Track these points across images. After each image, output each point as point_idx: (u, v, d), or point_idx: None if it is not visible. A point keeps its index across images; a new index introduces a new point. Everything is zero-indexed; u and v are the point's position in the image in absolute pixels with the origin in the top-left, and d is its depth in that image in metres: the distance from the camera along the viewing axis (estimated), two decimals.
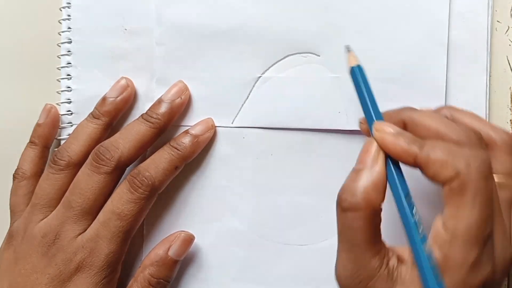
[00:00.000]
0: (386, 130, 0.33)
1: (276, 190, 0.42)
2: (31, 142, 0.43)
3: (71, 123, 0.44)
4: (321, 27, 0.42)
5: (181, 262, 0.42)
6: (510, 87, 0.42)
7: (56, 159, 0.41)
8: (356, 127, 0.41)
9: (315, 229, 0.42)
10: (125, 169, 0.41)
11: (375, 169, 0.32)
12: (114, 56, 0.44)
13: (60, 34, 0.44)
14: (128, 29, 0.43)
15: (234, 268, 0.43)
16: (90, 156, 0.40)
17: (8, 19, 0.46)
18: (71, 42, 0.44)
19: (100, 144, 0.40)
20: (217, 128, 0.43)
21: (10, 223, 0.42)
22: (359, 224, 0.31)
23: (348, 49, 0.37)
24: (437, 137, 0.32)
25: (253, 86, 0.42)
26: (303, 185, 0.42)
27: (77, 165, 0.41)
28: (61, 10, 0.44)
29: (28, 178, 0.42)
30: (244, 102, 0.42)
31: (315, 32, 0.42)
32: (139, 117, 0.41)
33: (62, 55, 0.44)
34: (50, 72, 0.44)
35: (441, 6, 0.41)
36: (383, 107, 0.41)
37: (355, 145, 0.42)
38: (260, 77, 0.42)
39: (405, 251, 0.32)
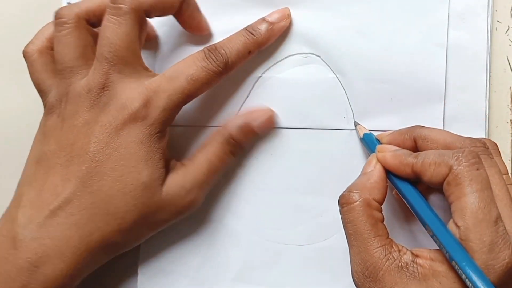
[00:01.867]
0: (386, 149, 0.37)
1: (275, 190, 0.42)
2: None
3: None
4: (322, 28, 0.42)
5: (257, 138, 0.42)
6: (510, 87, 0.42)
7: (59, 20, 0.38)
8: (354, 127, 0.41)
9: (315, 229, 0.42)
10: (144, 15, 0.38)
11: (371, 172, 0.36)
12: None
13: None
14: None
15: (234, 268, 0.43)
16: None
17: (8, 19, 0.46)
18: None
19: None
20: (217, 128, 0.43)
21: (43, 102, 0.40)
22: (354, 216, 0.34)
23: (355, 124, 0.42)
24: (444, 148, 0.35)
25: (253, 86, 0.42)
26: (302, 185, 0.42)
27: (83, 19, 0.39)
28: None
29: (39, 52, 0.40)
30: (244, 102, 0.43)
31: (316, 32, 0.42)
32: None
33: None
34: None
35: (441, 7, 0.41)
36: (382, 108, 0.41)
37: (355, 145, 0.42)
38: (260, 77, 0.42)
39: (421, 251, 0.34)
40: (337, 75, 0.42)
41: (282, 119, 0.42)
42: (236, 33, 0.41)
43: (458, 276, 0.31)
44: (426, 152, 0.35)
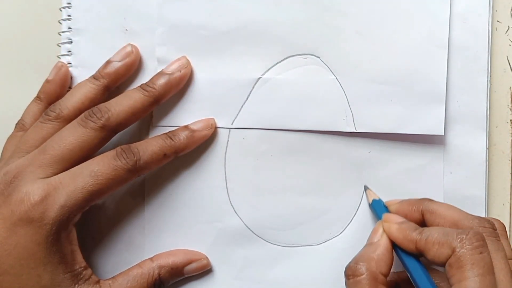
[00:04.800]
0: (392, 220, 0.37)
1: (276, 190, 0.42)
2: (37, 97, 0.43)
3: None
4: (322, 29, 0.42)
5: None
6: (510, 87, 0.42)
7: (48, 111, 0.40)
8: (354, 129, 0.41)
9: (315, 230, 0.42)
10: (112, 134, 0.40)
11: (377, 243, 0.36)
12: None
13: (60, 34, 0.44)
14: (128, 29, 0.43)
15: (235, 267, 0.43)
16: (82, 114, 0.39)
17: (8, 19, 0.46)
18: (71, 42, 0.44)
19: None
20: (217, 129, 0.43)
21: None
22: None
23: (365, 188, 0.42)
24: (451, 225, 0.35)
25: (253, 87, 0.42)
26: (302, 186, 0.42)
27: (67, 119, 0.40)
28: (61, 10, 0.44)
29: (25, 130, 0.42)
30: (244, 103, 0.42)
31: (316, 33, 0.42)
32: (137, 86, 0.41)
33: (62, 55, 0.44)
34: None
35: (442, 9, 0.41)
36: (382, 109, 0.41)
37: (354, 146, 0.42)
38: (260, 78, 0.42)
39: None
40: (337, 77, 0.42)
41: (282, 120, 0.42)
42: (156, 136, 0.41)
43: None
44: (430, 229, 0.34)
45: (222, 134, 0.43)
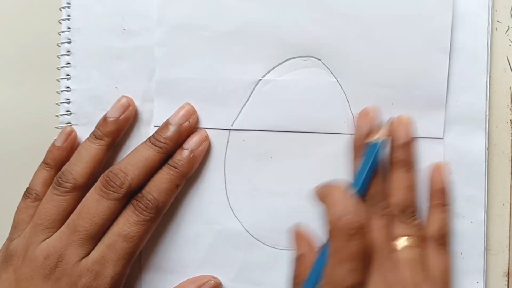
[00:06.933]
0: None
1: (275, 193, 0.43)
2: (45, 163, 0.43)
3: (70, 123, 0.44)
4: (323, 31, 0.42)
5: None
6: (510, 87, 0.42)
7: (61, 181, 0.40)
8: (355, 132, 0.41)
9: (314, 233, 0.42)
10: (132, 194, 0.40)
11: None
12: (112, 56, 0.44)
13: (60, 34, 0.44)
14: (126, 29, 0.43)
15: (233, 270, 0.43)
16: (99, 180, 0.40)
17: (8, 19, 0.46)
18: (70, 42, 0.44)
19: (109, 169, 0.40)
20: (216, 130, 0.43)
21: (8, 239, 0.41)
22: None
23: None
24: None
25: (254, 88, 0.42)
26: (302, 188, 0.42)
27: (82, 187, 0.40)
28: (61, 10, 0.44)
29: (38, 200, 0.41)
30: (245, 105, 0.42)
31: (317, 35, 0.42)
32: (146, 140, 0.41)
33: (61, 55, 0.44)
34: (50, 72, 0.44)
35: (444, 13, 0.41)
36: (385, 112, 0.41)
37: None
38: (260, 80, 0.42)
39: None
40: (338, 79, 0.42)
41: (282, 122, 0.42)
42: (160, 171, 0.41)
43: None
44: None
45: (222, 135, 0.43)
